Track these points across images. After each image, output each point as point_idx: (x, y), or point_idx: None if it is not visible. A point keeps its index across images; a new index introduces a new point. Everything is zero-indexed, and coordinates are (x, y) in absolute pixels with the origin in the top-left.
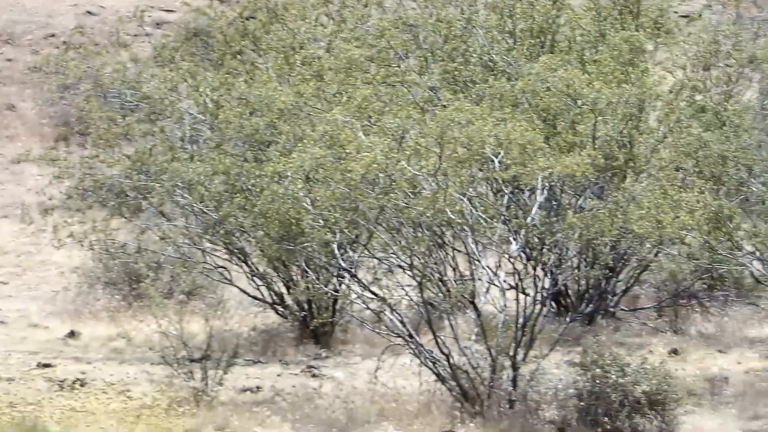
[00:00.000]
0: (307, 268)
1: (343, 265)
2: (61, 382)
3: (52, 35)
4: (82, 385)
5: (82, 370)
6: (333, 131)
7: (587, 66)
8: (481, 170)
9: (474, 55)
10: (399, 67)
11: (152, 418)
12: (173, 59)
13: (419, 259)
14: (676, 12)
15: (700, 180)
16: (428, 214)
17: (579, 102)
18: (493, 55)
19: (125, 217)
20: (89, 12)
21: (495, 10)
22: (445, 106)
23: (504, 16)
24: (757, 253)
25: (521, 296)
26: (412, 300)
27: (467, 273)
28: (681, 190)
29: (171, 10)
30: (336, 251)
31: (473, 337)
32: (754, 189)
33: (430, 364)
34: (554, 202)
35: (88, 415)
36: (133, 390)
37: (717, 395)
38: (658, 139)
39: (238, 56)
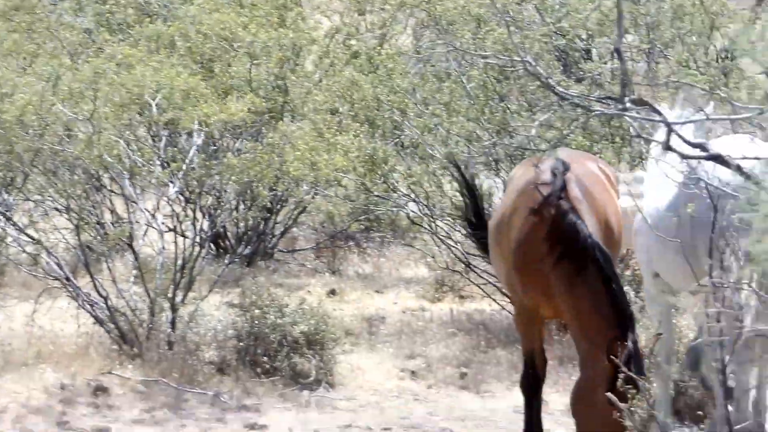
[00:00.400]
0: None
1: None
2: None
3: None
4: None
5: None
6: None
7: (244, 9)
8: (140, 114)
9: None
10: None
11: None
12: None
13: (76, 201)
14: None
15: (355, 123)
16: (85, 157)
17: (235, 45)
18: None
19: None
20: None
21: None
22: (101, 48)
23: None
24: (412, 195)
25: (180, 239)
26: (69, 243)
27: (125, 216)
28: (337, 133)
29: None
30: None
31: (132, 280)
32: (408, 132)
33: (88, 306)
34: (213, 146)
35: None
36: None
37: (374, 335)
38: (314, 83)
39: None
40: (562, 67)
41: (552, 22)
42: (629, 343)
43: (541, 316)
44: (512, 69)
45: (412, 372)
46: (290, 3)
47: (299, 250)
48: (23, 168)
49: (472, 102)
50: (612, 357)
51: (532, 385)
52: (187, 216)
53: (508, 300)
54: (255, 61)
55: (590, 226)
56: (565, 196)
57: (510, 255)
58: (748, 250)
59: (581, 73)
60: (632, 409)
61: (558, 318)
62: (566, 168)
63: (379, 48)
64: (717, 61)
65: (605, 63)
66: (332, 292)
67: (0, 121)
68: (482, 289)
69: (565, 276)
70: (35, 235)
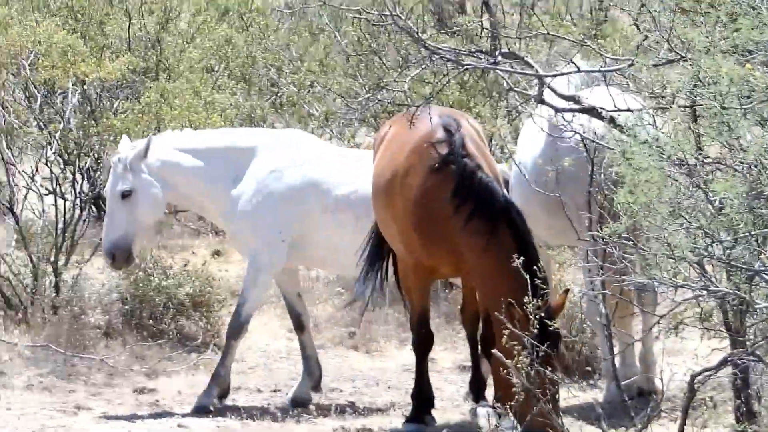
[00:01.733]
0: None
1: None
2: None
3: None
4: None
5: None
6: None
7: None
8: (14, 75)
9: None
10: None
11: None
12: None
13: None
14: None
15: (231, 81)
16: None
17: (113, 2)
18: None
19: None
20: None
21: None
22: None
23: None
24: None
25: (60, 201)
26: None
27: (4, 179)
28: (214, 91)
29: None
30: None
31: (13, 244)
32: (285, 90)
33: None
34: (90, 107)
35: None
36: None
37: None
38: (187, 41)
39: None
40: (437, 22)
41: None
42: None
43: (437, 274)
44: (384, 24)
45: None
46: None
47: (182, 211)
48: None
49: (347, 58)
50: (499, 316)
51: (424, 344)
52: (66, 178)
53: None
54: (132, 21)
55: (499, 185)
56: (466, 153)
57: (406, 215)
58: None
59: (456, 27)
60: (518, 366)
61: (457, 276)
62: (459, 125)
63: (250, 3)
64: (590, 14)
65: (480, 17)
66: (217, 253)
67: None
68: None
69: (477, 234)
70: None
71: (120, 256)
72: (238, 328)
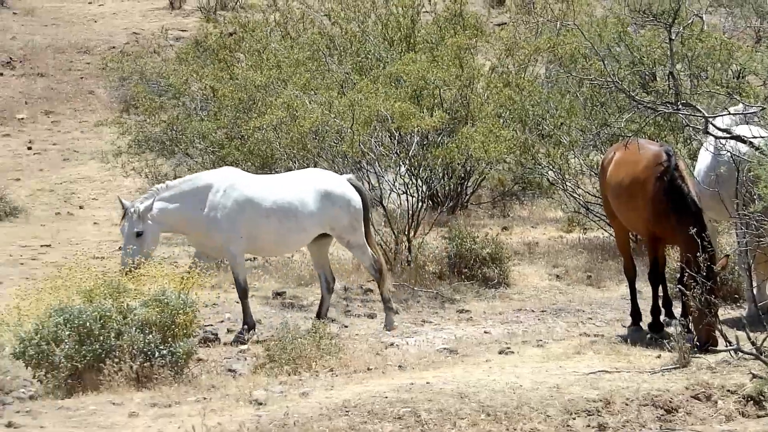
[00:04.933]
0: None
1: None
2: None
3: (113, 47)
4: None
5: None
6: (289, 101)
7: (436, 58)
8: (381, 123)
9: (369, 54)
10: (326, 61)
11: (191, 278)
12: (187, 59)
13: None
14: (492, 22)
15: (512, 123)
16: (349, 151)
17: (429, 81)
18: (381, 52)
19: (166, 157)
20: (134, 32)
21: (378, 23)
22: (355, 83)
23: (383, 26)
24: (550, 166)
25: (410, 198)
26: None
27: (377, 185)
28: (501, 129)
29: (184, 30)
30: None
31: (383, 224)
32: (546, 126)
33: None
34: (425, 141)
35: (150, 278)
36: (179, 262)
37: (532, 253)
38: (484, 100)
39: (224, 60)
40: (640, 85)
41: (636, 55)
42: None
43: (661, 242)
44: (608, 87)
45: (557, 276)
46: (463, 53)
47: (482, 203)
48: (313, 158)
49: (583, 107)
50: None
51: (655, 279)
52: (413, 183)
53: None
54: (444, 89)
55: (691, 189)
56: (677, 169)
57: (645, 208)
58: (759, 194)
59: (651, 87)
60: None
61: (673, 243)
62: (674, 152)
63: (523, 76)
64: (734, 78)
65: (666, 82)
66: (504, 228)
67: (299, 131)
68: (597, 224)
69: (682, 222)
70: None
71: (130, 269)
72: (243, 290)
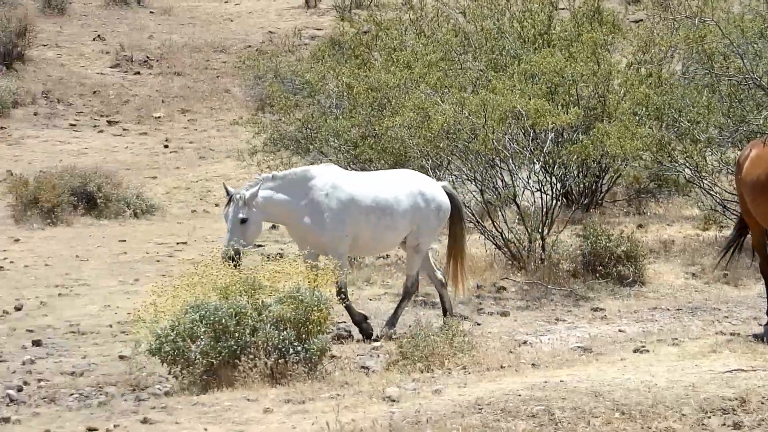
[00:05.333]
0: None
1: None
2: (267, 256)
3: (249, 46)
4: (281, 257)
5: (281, 248)
6: (421, 101)
7: (572, 54)
8: (515, 120)
9: (504, 51)
10: (458, 60)
11: (325, 275)
12: (323, 58)
13: (480, 174)
14: (628, 19)
15: (648, 120)
16: (483, 149)
17: (565, 76)
18: (517, 49)
19: (300, 155)
20: (270, 31)
21: (514, 20)
22: (490, 81)
23: (519, 24)
24: (686, 164)
25: (544, 195)
26: (478, 199)
27: (510, 182)
28: (637, 126)
29: (319, 29)
30: (429, 171)
31: (516, 221)
32: (683, 123)
33: (491, 238)
34: (560, 138)
35: (285, 275)
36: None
37: (668, 251)
38: (620, 97)
39: (360, 57)
40: None
41: None
42: None
43: None
44: (747, 83)
45: (693, 274)
46: (600, 50)
47: (617, 200)
48: (446, 156)
49: (721, 104)
50: None
51: None
52: (547, 181)
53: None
54: (580, 85)
55: None
56: None
57: None
58: None
59: None
60: None
61: None
62: None
63: (660, 72)
64: None
65: None
66: (640, 226)
67: (432, 130)
68: (734, 222)
69: None
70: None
71: (235, 259)
72: (343, 292)
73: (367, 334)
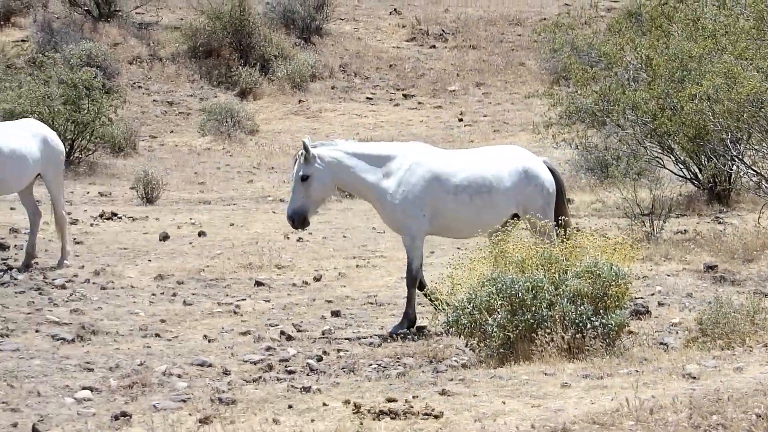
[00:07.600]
0: (712, 156)
1: (733, 153)
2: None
3: (544, 18)
4: (578, 231)
5: (576, 221)
6: (725, 69)
7: None
8: None
9: None
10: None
11: (622, 250)
12: (620, 30)
13: None
14: None
15: None
16: None
17: None
18: None
19: (596, 128)
20: (566, 3)
21: None
22: None
23: None
24: None
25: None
26: None
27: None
28: None
29: (616, 0)
30: (729, 145)
31: None
32: None
33: None
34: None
35: (582, 250)
36: (608, 233)
37: None
38: None
39: (660, 27)
40: None
41: None
42: None
43: None
44: None
45: None
46: None
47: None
48: (746, 130)
49: None
50: None
51: None
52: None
53: None
54: None
55: None
56: None
57: None
58: None
59: None
60: None
61: None
62: None
63: None
64: None
65: None
66: None
67: (737, 99)
68: None
69: None
70: (758, 171)
71: (298, 221)
72: (413, 278)
73: (411, 323)
